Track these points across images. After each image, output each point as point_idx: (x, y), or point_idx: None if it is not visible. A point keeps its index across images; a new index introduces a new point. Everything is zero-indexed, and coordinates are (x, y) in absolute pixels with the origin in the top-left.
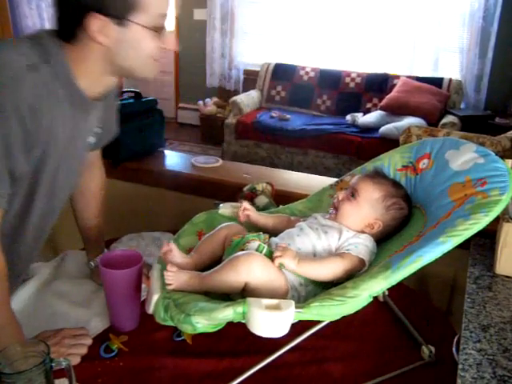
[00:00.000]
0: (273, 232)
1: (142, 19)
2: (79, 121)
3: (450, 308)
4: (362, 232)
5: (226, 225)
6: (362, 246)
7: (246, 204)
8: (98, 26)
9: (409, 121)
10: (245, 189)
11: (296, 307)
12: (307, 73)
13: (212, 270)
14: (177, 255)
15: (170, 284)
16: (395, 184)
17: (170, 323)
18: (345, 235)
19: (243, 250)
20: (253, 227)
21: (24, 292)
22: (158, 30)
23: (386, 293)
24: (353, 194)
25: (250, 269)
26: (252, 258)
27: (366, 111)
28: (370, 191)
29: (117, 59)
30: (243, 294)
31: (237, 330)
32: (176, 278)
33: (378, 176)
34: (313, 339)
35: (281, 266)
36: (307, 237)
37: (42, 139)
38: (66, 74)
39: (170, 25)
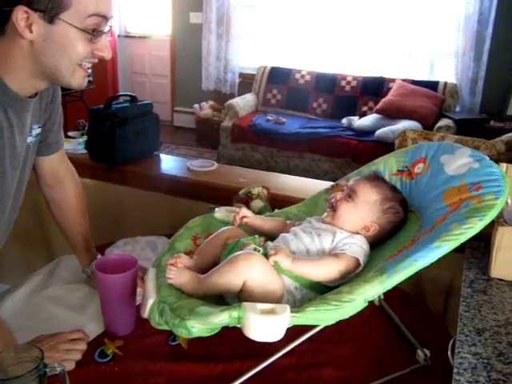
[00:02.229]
0: (269, 235)
1: (72, 18)
2: (14, 120)
3: (446, 311)
4: (357, 234)
5: (228, 228)
6: (356, 246)
7: (244, 210)
8: (26, 20)
9: (404, 124)
10: (240, 193)
11: (291, 312)
12: (303, 76)
13: (210, 271)
14: (185, 261)
15: (169, 278)
16: (393, 188)
17: (165, 327)
18: (338, 237)
19: None
20: (251, 230)
21: (17, 296)
22: (92, 32)
23: (382, 297)
24: (350, 195)
25: (250, 267)
26: (252, 256)
27: (362, 114)
28: (368, 193)
29: (42, 57)
30: (239, 295)
31: (232, 335)
32: (178, 274)
33: (376, 179)
34: (308, 343)
35: (276, 266)
36: (301, 241)
37: None
38: None
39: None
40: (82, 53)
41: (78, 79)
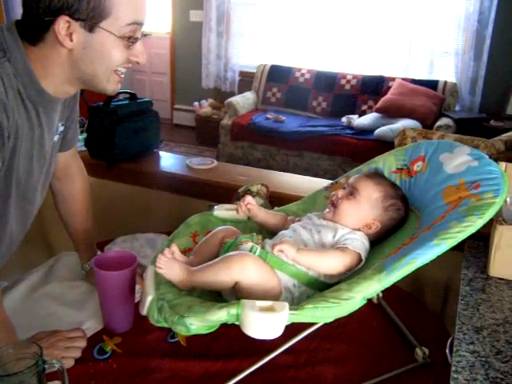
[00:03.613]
0: (270, 229)
1: (111, 26)
2: (44, 119)
3: (444, 310)
4: (358, 230)
5: (223, 228)
6: (357, 241)
7: (249, 198)
8: (67, 29)
9: (404, 123)
10: (240, 190)
11: (290, 309)
12: (303, 74)
13: (203, 265)
14: (177, 254)
15: (160, 268)
16: (394, 185)
17: (163, 325)
18: (340, 232)
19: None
20: (248, 229)
21: (16, 293)
22: (129, 39)
23: (380, 295)
24: (352, 192)
25: (243, 268)
26: (245, 257)
27: (362, 113)
28: (370, 191)
29: (80, 65)
30: (236, 294)
31: (231, 332)
32: (168, 264)
33: (377, 176)
34: (307, 341)
35: (275, 262)
36: (300, 238)
37: (12, 136)
38: (28, 72)
39: (163, 27)
40: (120, 60)
41: (112, 85)
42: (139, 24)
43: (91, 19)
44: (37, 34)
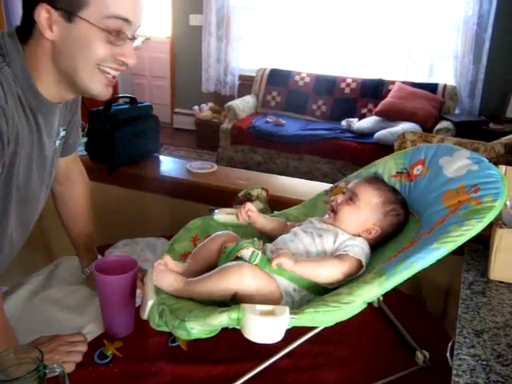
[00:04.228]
0: (270, 235)
1: (90, 16)
2: (42, 124)
3: (445, 313)
4: (359, 236)
5: (222, 232)
6: (358, 248)
7: (249, 204)
8: (46, 19)
9: (404, 126)
10: (240, 194)
11: (290, 313)
12: (303, 78)
13: (199, 277)
14: (171, 264)
15: (155, 279)
16: (394, 190)
17: (164, 329)
18: (340, 238)
19: (237, 256)
20: (248, 234)
21: (16, 297)
22: (112, 32)
23: (381, 298)
24: (351, 197)
25: (241, 278)
26: (243, 268)
27: (361, 116)
28: (370, 196)
29: (61, 58)
30: (235, 301)
31: (231, 336)
32: (161, 276)
33: (376, 181)
34: (307, 345)
35: (277, 272)
36: (301, 242)
37: (12, 141)
38: (26, 76)
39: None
40: (101, 53)
41: (97, 85)
42: (124, 20)
43: (69, 7)
44: (25, 29)
